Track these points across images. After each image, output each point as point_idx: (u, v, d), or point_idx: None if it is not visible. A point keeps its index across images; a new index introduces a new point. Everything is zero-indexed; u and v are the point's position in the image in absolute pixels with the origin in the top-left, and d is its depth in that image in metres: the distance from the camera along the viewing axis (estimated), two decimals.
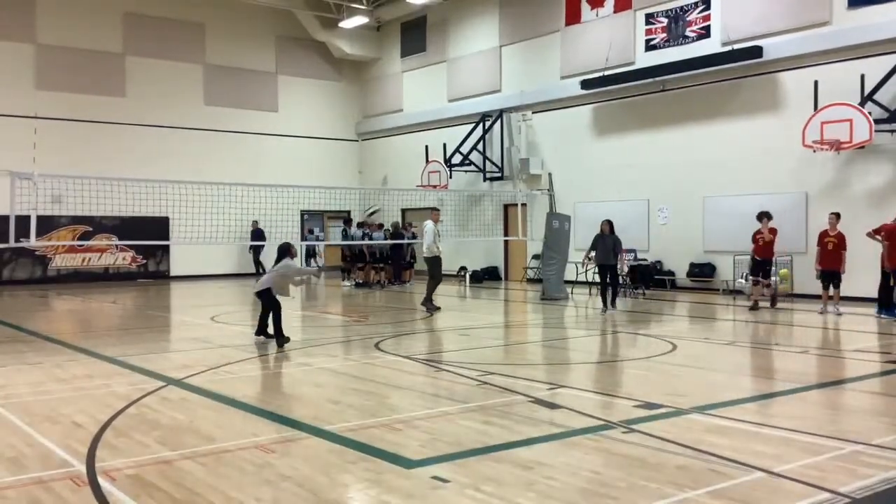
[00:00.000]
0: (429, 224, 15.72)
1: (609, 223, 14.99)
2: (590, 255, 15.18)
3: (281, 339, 10.71)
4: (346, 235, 22.79)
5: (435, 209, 16.50)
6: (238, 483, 4.89)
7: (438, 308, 15.57)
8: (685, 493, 4.60)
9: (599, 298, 15.43)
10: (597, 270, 15.46)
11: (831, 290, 14.21)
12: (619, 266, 15.54)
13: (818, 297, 14.93)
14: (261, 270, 24.84)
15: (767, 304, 15.27)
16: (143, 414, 6.76)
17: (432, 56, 26.44)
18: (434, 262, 15.77)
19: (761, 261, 14.96)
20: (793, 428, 6.16)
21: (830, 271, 14.13)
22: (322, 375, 8.77)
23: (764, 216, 14.94)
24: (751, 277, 15.30)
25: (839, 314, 13.84)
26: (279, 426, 6.33)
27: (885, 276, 13.69)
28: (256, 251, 25.27)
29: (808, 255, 16.75)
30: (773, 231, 14.93)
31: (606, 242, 14.80)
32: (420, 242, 24.04)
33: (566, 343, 11.94)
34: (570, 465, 5.18)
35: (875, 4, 16.01)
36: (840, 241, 14.13)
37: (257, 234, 24.62)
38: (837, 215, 14.39)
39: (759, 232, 14.94)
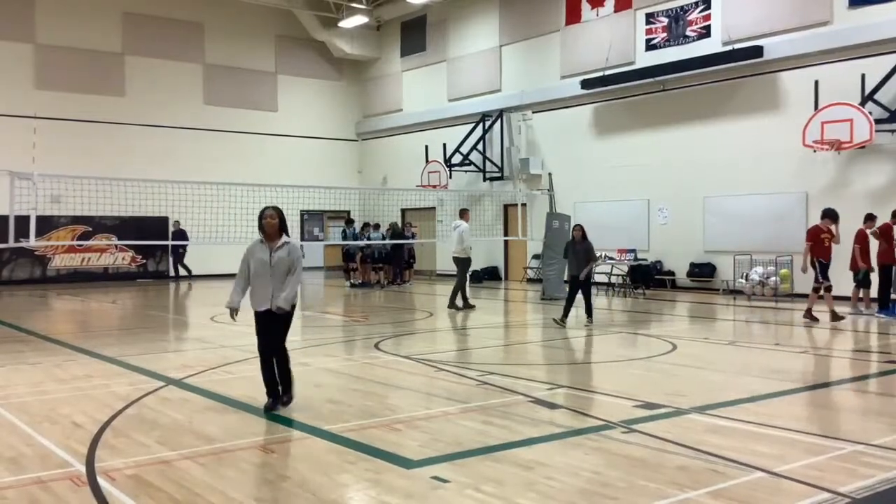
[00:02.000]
0: (465, 225, 16.01)
1: (581, 228, 13.25)
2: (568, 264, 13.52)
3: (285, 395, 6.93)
4: (345, 236, 22.81)
5: (466, 209, 17.01)
6: (238, 483, 4.88)
7: (473, 306, 15.74)
8: (685, 494, 4.59)
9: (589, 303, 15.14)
10: (568, 280, 13.39)
11: (861, 291, 14.11)
12: (590, 275, 13.29)
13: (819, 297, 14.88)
14: (180, 273, 24.36)
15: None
16: (142, 414, 6.75)
17: (432, 56, 26.44)
18: (468, 262, 16.10)
19: (827, 263, 13.06)
20: (793, 428, 6.16)
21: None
22: (322, 375, 8.77)
23: (837, 216, 13.39)
24: (826, 283, 12.90)
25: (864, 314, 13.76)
26: (279, 426, 6.32)
27: (884, 275, 13.69)
28: (178, 253, 24.21)
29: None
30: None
31: (578, 250, 13.08)
32: (420, 242, 24.22)
33: (566, 343, 11.92)
34: (570, 465, 5.18)
35: (875, 4, 16.00)
36: None
37: (179, 234, 23.30)
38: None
39: (821, 230, 13.10)
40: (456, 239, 15.99)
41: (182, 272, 24.59)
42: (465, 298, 15.82)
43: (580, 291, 13.06)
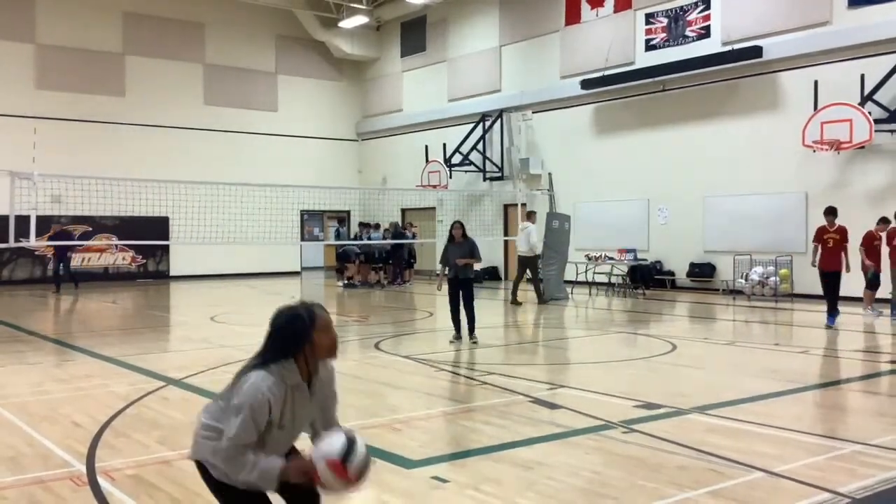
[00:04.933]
0: (532, 226, 16.93)
1: (460, 225, 11.16)
2: (445, 272, 11.10)
3: None
4: (338, 235, 22.80)
5: (534, 211, 18.26)
6: None
7: (521, 303, 16.67)
8: (685, 493, 4.60)
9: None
10: (448, 288, 11.16)
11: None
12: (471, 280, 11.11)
13: (819, 297, 14.92)
14: (61, 275, 20.49)
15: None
16: (142, 414, 6.75)
17: (432, 56, 26.45)
18: (535, 260, 16.99)
19: None
20: (793, 428, 6.17)
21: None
22: None
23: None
24: None
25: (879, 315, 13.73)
26: None
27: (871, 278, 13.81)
28: (62, 257, 20.57)
29: (808, 255, 16.75)
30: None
31: (459, 251, 10.88)
32: (420, 242, 24.23)
33: (566, 343, 11.94)
34: (570, 465, 5.18)
35: (875, 4, 16.00)
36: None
37: (63, 235, 20.94)
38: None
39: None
40: (523, 239, 16.89)
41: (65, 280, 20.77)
42: (514, 293, 16.83)
43: (462, 299, 10.94)
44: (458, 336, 10.95)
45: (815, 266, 12.83)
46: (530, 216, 17.66)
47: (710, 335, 12.02)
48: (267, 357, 3.23)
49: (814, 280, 16.27)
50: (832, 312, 12.46)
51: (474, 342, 10.79)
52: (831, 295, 12.45)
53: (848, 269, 12.57)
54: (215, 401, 3.38)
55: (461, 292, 10.94)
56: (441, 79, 26.04)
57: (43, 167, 18.57)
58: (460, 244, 10.95)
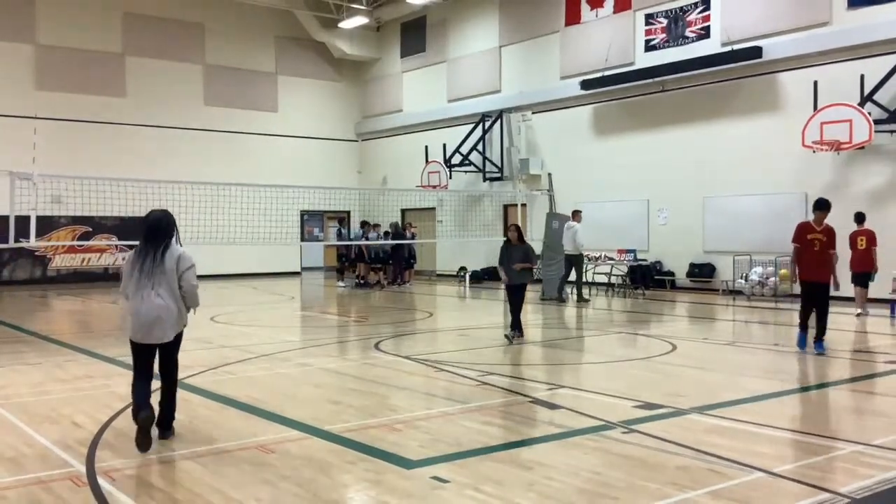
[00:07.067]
0: (577, 225, 17.26)
1: (516, 228, 11.27)
2: (501, 273, 11.35)
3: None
4: (340, 236, 22.77)
5: (578, 210, 18.06)
6: (238, 483, 4.88)
7: (588, 300, 17.17)
8: (685, 494, 4.60)
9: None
10: (505, 291, 11.49)
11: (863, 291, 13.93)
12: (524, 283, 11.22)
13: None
14: None
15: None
16: None
17: (432, 56, 26.45)
18: (580, 259, 17.42)
19: None
20: (792, 428, 6.16)
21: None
22: (322, 376, 8.77)
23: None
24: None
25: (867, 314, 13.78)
26: (279, 426, 6.32)
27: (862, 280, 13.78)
28: None
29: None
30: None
31: (515, 255, 11.01)
32: (421, 242, 24.23)
33: (566, 343, 11.94)
34: (569, 465, 5.18)
35: (875, 5, 16.01)
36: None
37: None
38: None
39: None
40: (569, 238, 17.24)
41: None
42: (560, 291, 17.17)
43: (510, 301, 11.22)
44: (514, 335, 11.12)
45: (795, 278, 10.03)
46: (575, 215, 17.75)
47: (709, 335, 12.03)
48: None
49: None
50: (822, 334, 9.86)
51: (507, 336, 11.15)
52: (822, 311, 9.76)
53: (837, 287, 9.87)
54: (155, 296, 6.34)
55: (513, 294, 11.18)
56: (441, 79, 26.04)
57: (43, 167, 18.56)
58: (517, 248, 11.10)
